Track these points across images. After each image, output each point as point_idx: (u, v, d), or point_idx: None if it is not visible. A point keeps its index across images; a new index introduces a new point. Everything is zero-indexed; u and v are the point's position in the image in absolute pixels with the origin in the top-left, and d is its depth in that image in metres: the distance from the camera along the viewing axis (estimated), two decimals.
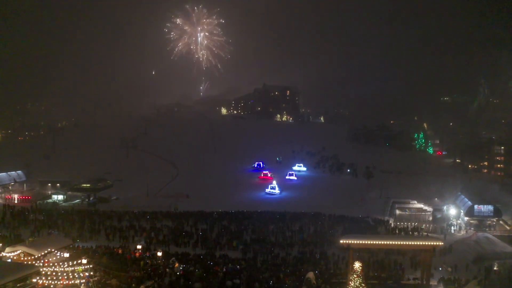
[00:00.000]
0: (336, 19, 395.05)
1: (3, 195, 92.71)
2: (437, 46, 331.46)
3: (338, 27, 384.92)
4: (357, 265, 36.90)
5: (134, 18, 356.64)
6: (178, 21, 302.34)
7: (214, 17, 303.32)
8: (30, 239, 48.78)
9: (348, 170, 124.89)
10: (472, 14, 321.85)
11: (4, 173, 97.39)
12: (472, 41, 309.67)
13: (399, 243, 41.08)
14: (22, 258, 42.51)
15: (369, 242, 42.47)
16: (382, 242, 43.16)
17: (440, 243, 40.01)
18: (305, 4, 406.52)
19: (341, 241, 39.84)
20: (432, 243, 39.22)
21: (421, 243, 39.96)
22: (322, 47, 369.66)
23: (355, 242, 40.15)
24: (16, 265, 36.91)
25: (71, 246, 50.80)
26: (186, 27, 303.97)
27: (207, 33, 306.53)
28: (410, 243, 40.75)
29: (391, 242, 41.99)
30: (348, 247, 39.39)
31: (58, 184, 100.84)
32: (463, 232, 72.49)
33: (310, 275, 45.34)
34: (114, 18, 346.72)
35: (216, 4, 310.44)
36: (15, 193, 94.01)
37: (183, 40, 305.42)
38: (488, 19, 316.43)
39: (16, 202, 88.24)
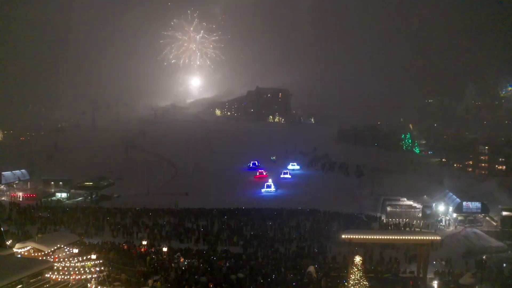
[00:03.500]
0: (325, 24, 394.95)
1: (8, 193, 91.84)
2: (422, 50, 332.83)
3: (328, 31, 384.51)
4: (358, 259, 36.77)
5: (131, 23, 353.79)
6: (175, 25, 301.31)
7: (209, 23, 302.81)
8: (39, 235, 48.18)
9: (344, 170, 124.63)
10: (456, 19, 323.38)
11: (9, 172, 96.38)
12: (455, 45, 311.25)
13: (399, 237, 41.12)
14: (32, 254, 41.98)
15: (370, 237, 42.43)
16: (383, 237, 43.17)
17: (438, 238, 40.12)
18: (295, 10, 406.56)
19: (343, 236, 39.72)
20: (430, 238, 39.35)
21: (420, 237, 40.11)
22: (312, 51, 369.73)
23: (357, 237, 40.10)
24: (30, 260, 36.38)
25: (78, 242, 50.22)
26: (182, 32, 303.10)
27: (202, 38, 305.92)
28: (409, 237, 40.88)
29: (391, 237, 42.02)
30: (350, 241, 39.28)
31: (61, 183, 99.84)
32: (452, 228, 72.85)
33: (311, 268, 45.36)
34: (113, 23, 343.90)
35: (212, 10, 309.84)
36: (20, 191, 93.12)
37: (178, 44, 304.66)
38: (472, 24, 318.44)
39: (20, 199, 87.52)
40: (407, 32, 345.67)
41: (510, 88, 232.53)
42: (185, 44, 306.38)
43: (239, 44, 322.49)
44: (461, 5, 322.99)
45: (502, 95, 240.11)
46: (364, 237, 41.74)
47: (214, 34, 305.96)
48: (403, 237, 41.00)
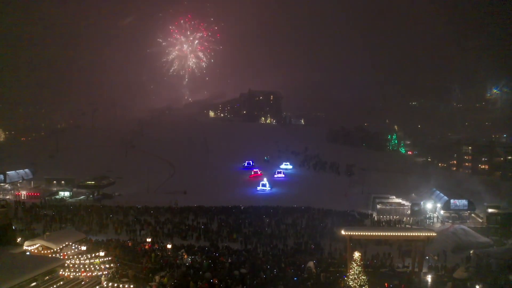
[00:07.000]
0: (315, 29, 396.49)
1: (12, 191, 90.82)
2: (406, 54, 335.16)
3: (317, 37, 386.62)
4: (357, 254, 36.69)
5: (129, 28, 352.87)
6: (171, 30, 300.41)
7: (204, 27, 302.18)
8: (47, 233, 47.42)
9: (335, 169, 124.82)
10: (440, 23, 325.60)
11: (13, 171, 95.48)
12: (439, 50, 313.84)
13: (397, 234, 40.97)
14: (41, 252, 41.38)
15: (370, 233, 42.37)
16: (382, 234, 43.11)
17: (434, 234, 40.10)
18: (287, 16, 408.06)
19: (343, 233, 39.49)
20: (427, 234, 39.38)
21: (417, 234, 40.07)
22: (302, 56, 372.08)
23: (357, 233, 39.98)
24: (43, 258, 35.80)
25: (84, 239, 49.60)
26: (177, 37, 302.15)
27: (196, 42, 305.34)
28: (407, 234, 40.78)
29: (390, 234, 41.88)
30: (350, 238, 39.14)
31: (63, 182, 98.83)
32: (440, 224, 73.16)
33: (310, 264, 45.14)
34: (111, 27, 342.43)
35: (207, 15, 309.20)
36: (23, 190, 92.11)
37: (174, 48, 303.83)
38: (455, 28, 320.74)
39: (24, 198, 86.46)
40: (393, 37, 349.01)
41: (495, 91, 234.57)
42: (181, 48, 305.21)
43: (232, 49, 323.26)
44: (446, 9, 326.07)
45: (488, 97, 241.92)
46: (364, 233, 41.67)
47: (209, 39, 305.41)
48: (401, 234, 40.80)
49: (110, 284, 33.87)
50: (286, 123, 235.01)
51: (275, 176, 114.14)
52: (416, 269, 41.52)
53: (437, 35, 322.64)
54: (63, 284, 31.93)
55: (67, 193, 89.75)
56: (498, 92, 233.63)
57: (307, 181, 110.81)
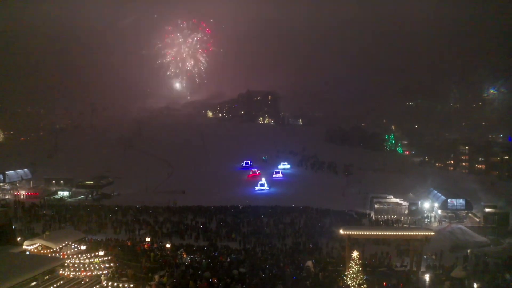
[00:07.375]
0: (312, 30, 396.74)
1: (11, 191, 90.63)
2: (403, 55, 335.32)
3: (315, 38, 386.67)
4: (355, 253, 36.68)
5: (128, 28, 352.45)
6: (169, 31, 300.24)
7: (203, 27, 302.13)
8: (47, 232, 47.21)
9: (333, 169, 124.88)
10: (437, 24, 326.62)
11: (12, 171, 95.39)
12: (435, 50, 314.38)
13: (396, 233, 41.01)
14: (41, 251, 41.22)
15: (369, 233, 42.33)
16: (381, 233, 43.12)
17: (432, 233, 40.12)
18: (284, 17, 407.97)
19: (342, 232, 39.48)
20: (424, 233, 39.38)
21: (416, 233, 40.05)
22: (299, 57, 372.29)
23: (356, 233, 39.97)
24: (43, 258, 35.62)
25: (83, 239, 49.39)
26: (176, 38, 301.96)
27: (195, 43, 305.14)
28: (405, 233, 40.77)
29: (388, 233, 41.92)
30: (348, 237, 39.14)
31: (62, 181, 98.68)
32: (437, 224, 73.24)
33: (309, 263, 45.10)
34: (110, 27, 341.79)
35: (206, 16, 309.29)
36: (23, 189, 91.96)
37: (172, 48, 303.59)
38: (454, 28, 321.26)
39: (23, 198, 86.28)
40: (390, 37, 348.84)
41: (492, 91, 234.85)
42: (179, 49, 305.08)
43: (231, 49, 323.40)
44: (443, 9, 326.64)
45: (484, 97, 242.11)
46: (363, 233, 41.65)
47: (208, 40, 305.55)
48: (399, 233, 40.85)
49: (109, 283, 33.73)
50: (284, 123, 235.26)
51: (273, 176, 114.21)
52: (414, 268, 41.48)
53: (434, 35, 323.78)
54: (63, 283, 31.77)
55: (66, 193, 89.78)
56: (495, 92, 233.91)
57: (305, 181, 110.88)
